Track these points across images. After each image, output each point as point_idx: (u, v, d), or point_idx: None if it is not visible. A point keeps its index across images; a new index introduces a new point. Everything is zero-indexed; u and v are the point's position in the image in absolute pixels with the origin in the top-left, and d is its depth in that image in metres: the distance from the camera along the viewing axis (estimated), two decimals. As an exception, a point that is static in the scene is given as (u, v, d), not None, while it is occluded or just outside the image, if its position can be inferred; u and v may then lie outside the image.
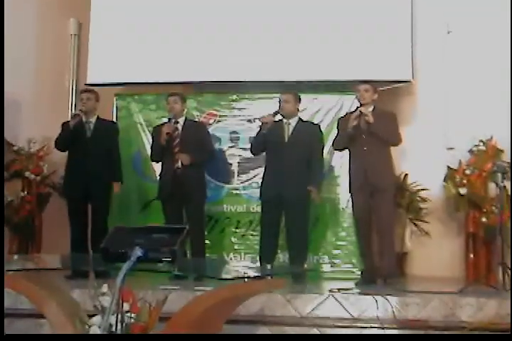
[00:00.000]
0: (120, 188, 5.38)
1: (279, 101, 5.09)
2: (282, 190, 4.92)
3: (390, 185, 4.96)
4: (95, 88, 5.59)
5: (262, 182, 5.20)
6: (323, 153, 5.25)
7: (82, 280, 4.64)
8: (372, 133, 4.80)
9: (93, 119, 5.28)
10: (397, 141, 4.96)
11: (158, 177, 5.40)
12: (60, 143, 5.26)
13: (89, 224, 5.26)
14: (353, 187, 4.98)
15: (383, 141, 4.88)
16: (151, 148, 5.44)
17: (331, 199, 5.72)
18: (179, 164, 5.12)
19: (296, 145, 5.01)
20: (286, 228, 5.06)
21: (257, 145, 5.17)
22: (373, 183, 4.83)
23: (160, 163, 5.37)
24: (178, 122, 5.25)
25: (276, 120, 5.07)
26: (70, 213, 5.25)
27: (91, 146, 5.19)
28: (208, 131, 5.56)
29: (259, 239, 5.18)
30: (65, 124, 5.27)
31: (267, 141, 5.05)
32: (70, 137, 5.14)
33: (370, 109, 4.90)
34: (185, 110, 5.43)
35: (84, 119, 5.20)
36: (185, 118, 5.34)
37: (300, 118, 5.18)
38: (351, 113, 4.97)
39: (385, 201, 4.89)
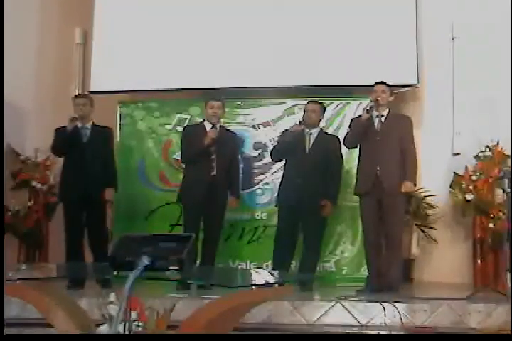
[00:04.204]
0: (113, 195, 5.21)
1: (304, 111, 5.07)
2: (300, 199, 4.88)
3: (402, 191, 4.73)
4: (97, 95, 5.60)
5: (279, 190, 5.17)
6: (341, 166, 5.20)
7: (88, 290, 4.66)
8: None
9: (89, 125, 5.18)
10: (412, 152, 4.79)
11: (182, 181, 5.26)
12: (58, 149, 5.17)
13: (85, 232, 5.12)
14: (361, 189, 4.84)
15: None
16: (185, 150, 5.22)
17: (337, 206, 5.71)
18: (215, 171, 5.06)
19: (317, 156, 4.99)
20: (302, 237, 5.03)
21: (278, 152, 5.14)
22: (385, 187, 4.68)
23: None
24: (217, 128, 5.16)
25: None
26: (67, 219, 5.11)
27: (87, 152, 5.09)
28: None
29: (274, 246, 5.06)
30: (60, 130, 5.13)
31: (288, 149, 5.01)
32: (68, 142, 5.04)
33: (386, 111, 4.83)
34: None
35: (80, 125, 5.09)
36: (220, 126, 5.26)
37: (321, 129, 5.16)
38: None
39: (396, 208, 4.75)
